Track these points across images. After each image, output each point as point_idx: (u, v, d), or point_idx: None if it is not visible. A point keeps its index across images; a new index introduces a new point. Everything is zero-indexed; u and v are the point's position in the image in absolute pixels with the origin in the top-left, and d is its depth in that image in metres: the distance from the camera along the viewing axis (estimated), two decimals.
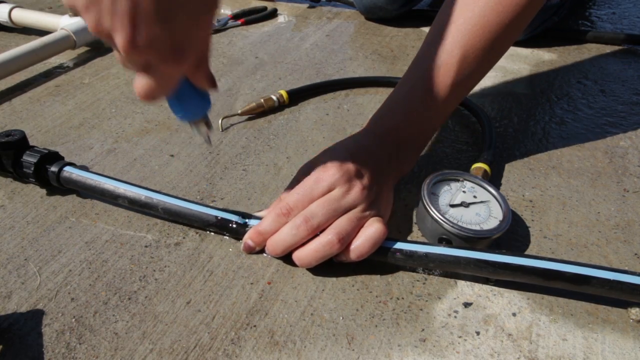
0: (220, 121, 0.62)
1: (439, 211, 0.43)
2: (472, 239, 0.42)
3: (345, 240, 0.40)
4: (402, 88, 0.47)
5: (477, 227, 0.42)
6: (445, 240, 0.43)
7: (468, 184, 0.46)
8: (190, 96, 0.37)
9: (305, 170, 0.44)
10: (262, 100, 0.65)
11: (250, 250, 0.44)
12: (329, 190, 0.42)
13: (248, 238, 0.43)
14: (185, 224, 0.48)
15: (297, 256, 0.42)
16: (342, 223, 0.41)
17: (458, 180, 0.47)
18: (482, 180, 0.47)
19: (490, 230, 0.42)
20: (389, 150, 0.46)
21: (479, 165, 0.51)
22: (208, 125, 0.39)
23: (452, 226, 0.42)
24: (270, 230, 0.42)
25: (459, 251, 0.40)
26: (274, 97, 0.66)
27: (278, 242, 0.42)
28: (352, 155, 0.43)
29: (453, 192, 0.45)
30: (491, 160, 0.53)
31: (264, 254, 0.44)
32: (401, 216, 0.49)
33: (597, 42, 0.85)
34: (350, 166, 0.42)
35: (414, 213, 0.49)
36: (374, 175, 0.43)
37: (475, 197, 0.45)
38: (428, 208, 0.43)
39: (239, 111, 0.64)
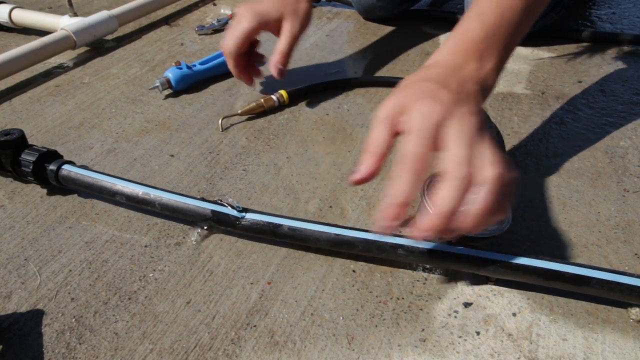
0: (220, 121, 0.62)
1: None
2: (472, 239, 0.42)
3: None
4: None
5: None
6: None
7: None
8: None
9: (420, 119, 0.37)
10: (262, 100, 0.65)
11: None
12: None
13: (429, 229, 0.36)
14: (185, 222, 0.48)
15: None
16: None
17: None
18: None
19: (490, 230, 0.42)
20: (471, 64, 0.42)
21: None
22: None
23: None
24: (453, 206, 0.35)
25: (461, 249, 0.40)
26: (274, 97, 0.66)
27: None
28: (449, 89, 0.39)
29: None
30: None
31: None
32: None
33: (597, 41, 0.85)
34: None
35: (415, 212, 0.49)
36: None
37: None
38: (428, 207, 0.43)
39: (239, 111, 0.64)
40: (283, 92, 0.66)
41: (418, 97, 0.38)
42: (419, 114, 0.37)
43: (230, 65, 0.65)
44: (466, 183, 0.35)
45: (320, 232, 0.42)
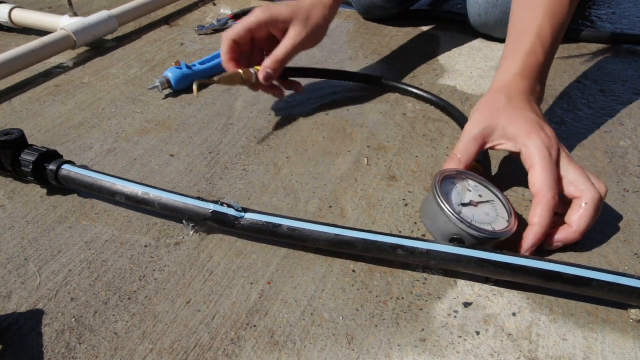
0: (194, 86, 0.55)
1: (454, 210, 0.42)
2: (487, 240, 0.41)
3: None
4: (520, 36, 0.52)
5: (490, 228, 0.41)
6: (457, 240, 0.42)
7: (472, 183, 0.46)
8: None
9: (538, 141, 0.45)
10: (240, 71, 0.59)
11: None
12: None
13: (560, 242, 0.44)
14: (177, 220, 0.48)
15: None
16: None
17: (462, 179, 0.46)
18: (484, 180, 0.47)
19: (503, 232, 0.41)
20: (537, 88, 0.51)
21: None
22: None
23: (469, 226, 0.41)
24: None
25: (461, 249, 0.40)
26: (252, 71, 0.60)
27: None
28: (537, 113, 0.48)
29: (460, 191, 0.45)
30: (480, 158, 0.52)
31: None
32: (403, 215, 0.49)
33: (596, 41, 0.85)
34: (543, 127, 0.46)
35: (417, 211, 0.49)
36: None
37: (480, 196, 0.45)
38: (443, 207, 0.42)
39: (215, 79, 0.57)
40: (258, 67, 0.61)
41: (528, 130, 0.45)
42: (538, 150, 0.44)
43: (222, 51, 0.60)
44: (600, 202, 0.43)
45: (320, 232, 0.42)
